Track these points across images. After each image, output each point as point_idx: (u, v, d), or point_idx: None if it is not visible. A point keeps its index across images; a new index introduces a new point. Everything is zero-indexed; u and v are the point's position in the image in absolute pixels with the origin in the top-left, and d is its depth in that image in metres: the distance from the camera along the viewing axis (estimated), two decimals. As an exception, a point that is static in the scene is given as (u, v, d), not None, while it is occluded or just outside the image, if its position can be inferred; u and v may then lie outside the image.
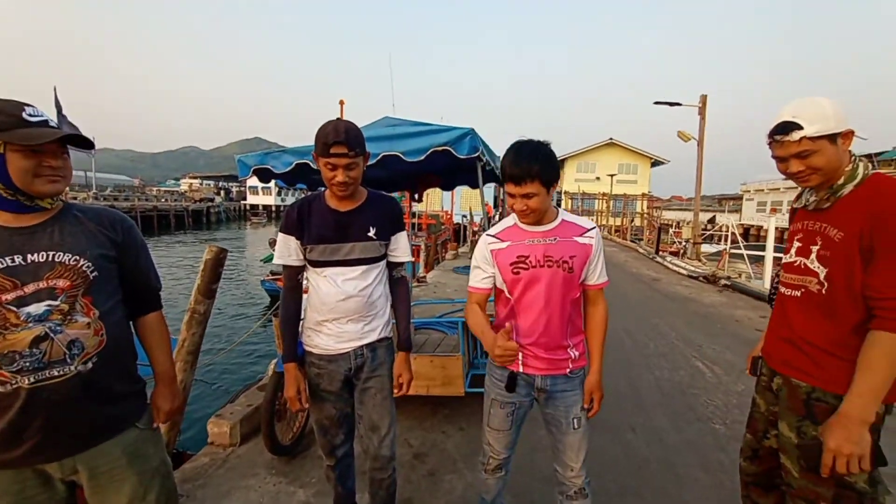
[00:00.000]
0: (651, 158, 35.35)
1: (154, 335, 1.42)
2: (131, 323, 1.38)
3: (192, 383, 2.74)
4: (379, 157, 2.86)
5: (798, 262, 1.43)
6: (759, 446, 1.58)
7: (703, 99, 13.47)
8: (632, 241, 20.70)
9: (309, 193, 1.80)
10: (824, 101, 1.28)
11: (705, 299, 8.19)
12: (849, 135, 1.29)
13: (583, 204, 33.26)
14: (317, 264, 1.65)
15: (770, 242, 12.12)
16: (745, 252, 14.09)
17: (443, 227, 16.83)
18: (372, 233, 1.66)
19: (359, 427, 1.80)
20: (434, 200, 22.80)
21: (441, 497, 2.37)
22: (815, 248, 1.37)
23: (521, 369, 1.57)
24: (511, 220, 1.60)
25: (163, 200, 46.75)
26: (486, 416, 1.67)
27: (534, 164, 1.38)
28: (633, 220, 27.76)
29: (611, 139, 35.16)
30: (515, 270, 1.52)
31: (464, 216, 20.73)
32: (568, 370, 1.57)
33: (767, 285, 10.93)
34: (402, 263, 1.82)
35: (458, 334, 3.18)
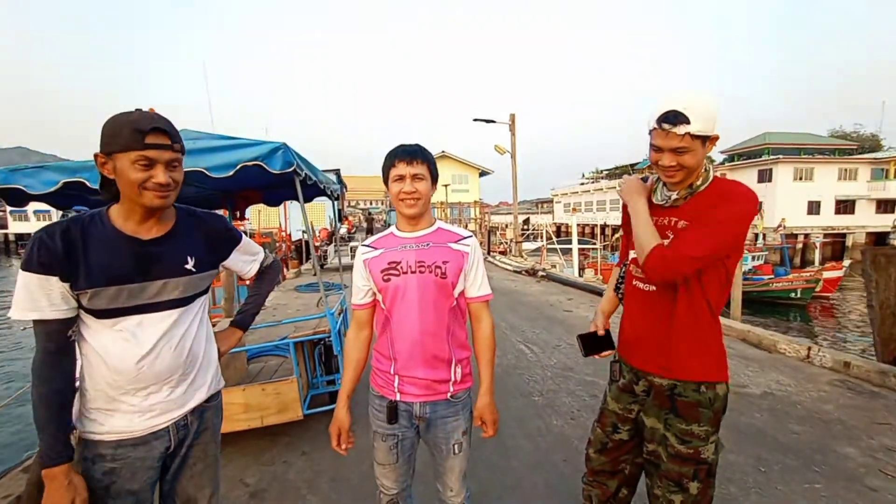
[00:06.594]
0: (479, 169, 39.12)
1: None
2: None
3: None
4: (178, 172, 2.53)
5: None
6: (608, 440, 1.62)
7: (512, 117, 15.56)
8: (468, 245, 22.57)
9: (81, 212, 1.27)
10: (712, 102, 1.23)
11: (527, 290, 9.45)
12: (715, 140, 1.28)
13: (424, 213, 34.84)
14: (106, 314, 1.15)
15: (574, 237, 14.73)
16: (557, 247, 16.82)
17: (277, 244, 15.69)
18: (190, 264, 1.26)
19: (167, 501, 1.39)
20: (270, 218, 21.13)
21: (281, 533, 2.21)
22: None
23: (398, 397, 1.46)
24: (388, 229, 1.56)
25: None
26: (373, 449, 1.55)
27: (424, 150, 1.46)
28: (467, 226, 30.38)
29: (443, 152, 37.76)
30: (386, 277, 1.43)
31: (303, 232, 19.78)
32: (449, 394, 1.47)
33: (576, 273, 13.20)
34: (264, 259, 1.62)
35: (290, 356, 3.01)
